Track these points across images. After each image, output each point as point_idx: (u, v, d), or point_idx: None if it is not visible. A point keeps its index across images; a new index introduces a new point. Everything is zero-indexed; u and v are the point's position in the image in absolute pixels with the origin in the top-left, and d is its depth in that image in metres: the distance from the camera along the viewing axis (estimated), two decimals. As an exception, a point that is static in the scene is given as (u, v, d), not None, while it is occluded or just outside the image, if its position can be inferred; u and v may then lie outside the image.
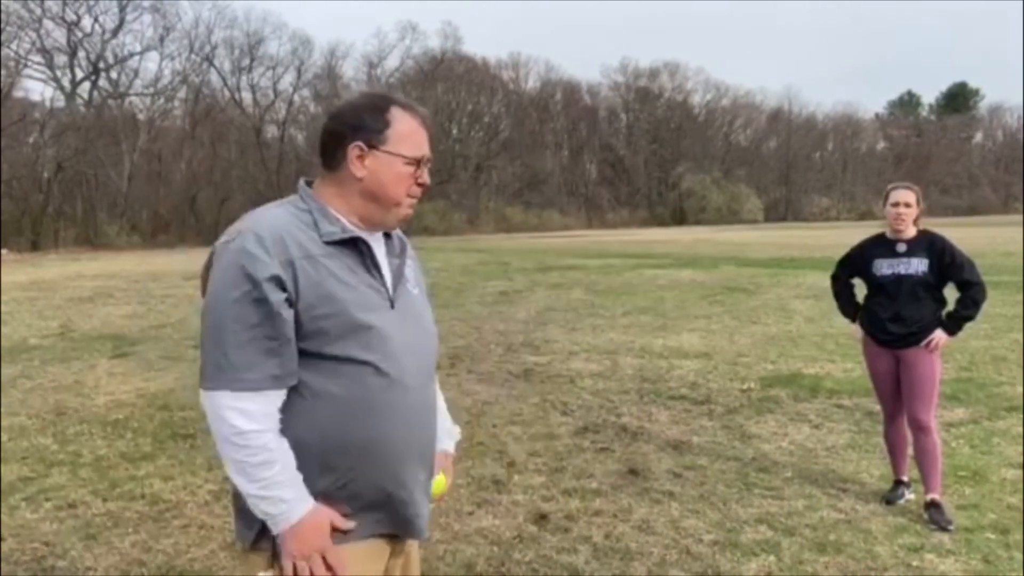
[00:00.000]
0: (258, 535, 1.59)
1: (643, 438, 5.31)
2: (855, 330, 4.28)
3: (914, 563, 3.41)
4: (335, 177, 1.65)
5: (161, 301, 14.10)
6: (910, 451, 4.12)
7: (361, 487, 1.60)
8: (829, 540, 3.63)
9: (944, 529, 3.71)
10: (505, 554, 3.56)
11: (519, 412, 6.05)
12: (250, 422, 1.50)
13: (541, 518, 3.95)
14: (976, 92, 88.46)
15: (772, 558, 3.47)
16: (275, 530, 1.55)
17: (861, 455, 4.86)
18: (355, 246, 1.62)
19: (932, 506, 3.86)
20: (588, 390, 6.76)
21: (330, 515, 1.57)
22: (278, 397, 1.54)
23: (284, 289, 1.51)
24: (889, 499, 4.08)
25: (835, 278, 4.37)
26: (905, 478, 4.17)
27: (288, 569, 1.55)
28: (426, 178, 1.69)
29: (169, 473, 4.72)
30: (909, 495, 4.10)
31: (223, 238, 1.58)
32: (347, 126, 1.63)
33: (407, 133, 1.65)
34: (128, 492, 4.41)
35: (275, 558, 1.58)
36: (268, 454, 1.52)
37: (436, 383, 1.85)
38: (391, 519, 1.66)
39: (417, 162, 1.66)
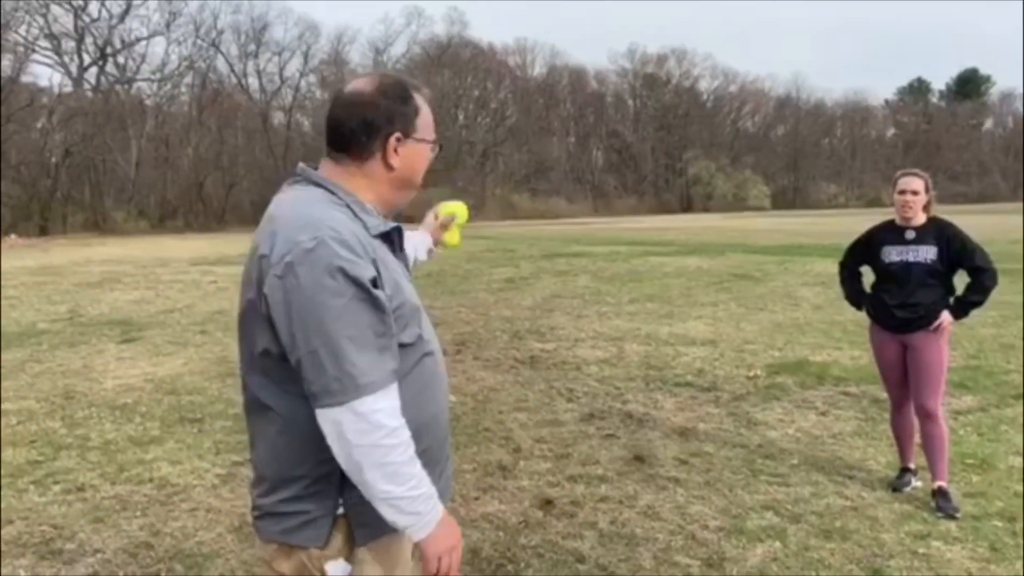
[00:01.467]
0: (330, 533, 1.56)
1: (649, 425, 5.31)
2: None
3: (920, 550, 3.40)
4: (362, 166, 1.60)
5: (169, 287, 14.15)
6: (917, 439, 4.11)
7: (428, 460, 1.60)
8: (835, 527, 3.63)
9: (951, 517, 3.70)
10: (511, 539, 3.57)
11: (525, 399, 6.05)
12: (395, 418, 1.48)
13: (547, 504, 3.96)
14: (987, 79, 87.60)
15: (778, 544, 3.47)
16: (423, 531, 1.52)
17: (868, 442, 4.85)
18: (390, 234, 1.61)
19: (939, 494, 3.85)
20: (594, 377, 6.76)
21: None
22: (397, 391, 1.52)
23: (379, 287, 1.49)
24: (895, 486, 4.08)
25: (843, 265, 4.34)
26: (912, 465, 4.16)
27: (434, 567, 1.55)
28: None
29: (177, 457, 4.74)
30: (916, 483, 4.09)
31: (294, 246, 1.44)
32: (383, 116, 1.58)
33: (428, 117, 1.66)
34: (136, 476, 4.44)
35: (350, 550, 1.58)
36: (412, 448, 1.50)
37: None
38: (440, 485, 1.67)
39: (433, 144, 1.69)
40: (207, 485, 4.28)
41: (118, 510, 3.96)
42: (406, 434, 1.49)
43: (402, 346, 1.55)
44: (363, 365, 1.44)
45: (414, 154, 1.62)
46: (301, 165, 1.66)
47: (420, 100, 1.64)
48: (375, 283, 1.47)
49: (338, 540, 1.56)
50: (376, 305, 1.46)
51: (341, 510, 1.56)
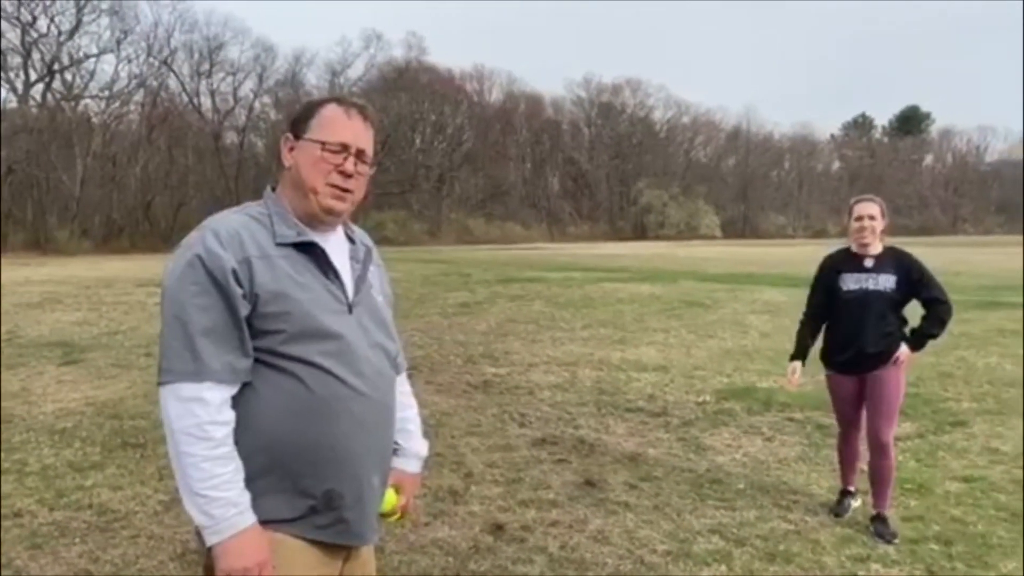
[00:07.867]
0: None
1: (600, 450, 5.35)
2: (792, 369, 4.17)
3: (860, 573, 3.49)
4: (281, 176, 1.72)
5: (113, 308, 13.80)
6: (860, 465, 4.20)
7: (307, 487, 1.59)
8: (779, 550, 3.70)
9: (888, 541, 3.79)
10: (461, 565, 3.55)
11: (477, 423, 6.05)
12: (213, 413, 1.51)
13: (497, 529, 3.96)
14: (927, 116, 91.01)
15: (723, 567, 3.52)
16: (214, 538, 1.51)
17: (811, 467, 4.96)
18: (310, 249, 1.64)
19: (878, 519, 3.93)
20: (547, 402, 6.79)
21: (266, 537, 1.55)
22: (233, 391, 1.55)
23: (241, 285, 1.53)
24: (837, 512, 4.15)
25: (803, 324, 4.21)
26: (852, 488, 4.25)
27: None
28: (349, 167, 1.66)
29: (118, 483, 4.62)
30: (855, 503, 4.18)
31: (184, 241, 1.61)
32: (286, 125, 1.72)
33: (329, 120, 1.68)
34: (75, 502, 4.31)
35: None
36: (227, 449, 1.52)
37: (400, 392, 1.86)
38: (336, 524, 1.63)
39: (339, 150, 1.66)
40: (149, 512, 4.17)
41: (56, 536, 3.84)
42: (220, 433, 1.51)
43: (277, 357, 1.56)
44: (200, 350, 1.50)
45: (302, 154, 1.68)
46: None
47: (330, 107, 1.69)
48: (238, 280, 1.52)
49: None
50: (226, 298, 1.51)
51: None
